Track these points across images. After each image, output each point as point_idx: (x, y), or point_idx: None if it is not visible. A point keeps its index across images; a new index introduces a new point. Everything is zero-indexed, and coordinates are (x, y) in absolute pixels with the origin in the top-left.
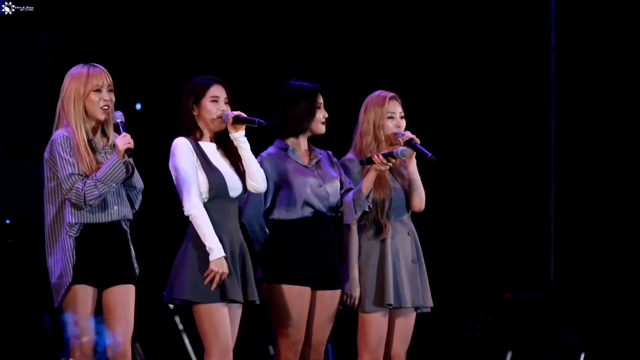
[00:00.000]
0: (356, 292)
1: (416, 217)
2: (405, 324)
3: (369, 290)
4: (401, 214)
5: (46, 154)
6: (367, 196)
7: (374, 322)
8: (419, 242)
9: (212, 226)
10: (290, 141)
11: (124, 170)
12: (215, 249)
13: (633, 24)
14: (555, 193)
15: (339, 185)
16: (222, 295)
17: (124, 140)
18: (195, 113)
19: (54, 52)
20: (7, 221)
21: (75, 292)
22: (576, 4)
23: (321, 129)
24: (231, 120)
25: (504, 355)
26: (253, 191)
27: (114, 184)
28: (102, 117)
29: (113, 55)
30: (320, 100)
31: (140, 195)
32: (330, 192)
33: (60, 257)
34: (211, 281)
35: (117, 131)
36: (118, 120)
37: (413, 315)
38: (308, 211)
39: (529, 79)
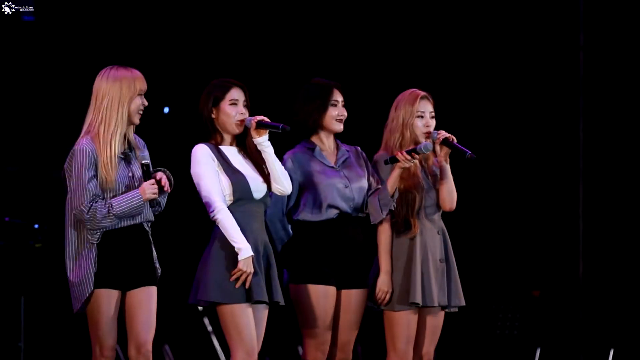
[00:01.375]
0: (388, 287)
1: (446, 216)
2: (434, 323)
3: (396, 288)
4: (432, 213)
5: (66, 164)
6: (393, 195)
7: (402, 321)
8: (449, 241)
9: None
10: (316, 140)
11: (142, 209)
12: (244, 249)
13: None
14: (584, 190)
15: (366, 184)
16: (247, 296)
17: (152, 190)
18: (214, 116)
19: None
20: (36, 225)
21: (99, 296)
22: (605, 3)
23: (336, 126)
24: (254, 125)
25: (533, 353)
26: (279, 194)
27: (125, 220)
28: (138, 122)
29: (140, 58)
30: (337, 98)
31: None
32: (356, 193)
33: (81, 265)
34: (236, 280)
35: (144, 173)
36: (145, 162)
37: (441, 314)
38: (333, 213)
39: (558, 79)
